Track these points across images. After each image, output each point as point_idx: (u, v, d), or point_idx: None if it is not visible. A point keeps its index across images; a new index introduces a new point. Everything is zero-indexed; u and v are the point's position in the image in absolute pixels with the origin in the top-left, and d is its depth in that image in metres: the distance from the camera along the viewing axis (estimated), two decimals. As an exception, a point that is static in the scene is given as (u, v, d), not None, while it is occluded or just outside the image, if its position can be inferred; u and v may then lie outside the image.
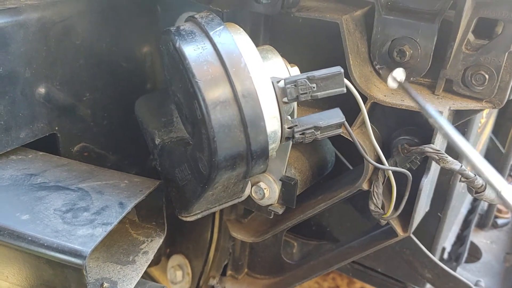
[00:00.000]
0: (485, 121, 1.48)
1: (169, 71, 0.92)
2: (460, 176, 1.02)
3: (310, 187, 1.20)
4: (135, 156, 1.22)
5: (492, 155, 1.86)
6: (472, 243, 1.69)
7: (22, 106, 0.96)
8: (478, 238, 1.75)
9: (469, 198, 1.85)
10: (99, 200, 0.88)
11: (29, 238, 0.79)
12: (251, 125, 0.80)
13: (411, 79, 1.05)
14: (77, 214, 0.84)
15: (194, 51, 0.81)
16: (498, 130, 1.88)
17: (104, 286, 0.92)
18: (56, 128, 1.04)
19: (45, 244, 0.78)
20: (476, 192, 1.05)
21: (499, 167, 1.69)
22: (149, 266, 1.46)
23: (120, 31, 1.13)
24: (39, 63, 0.97)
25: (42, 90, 0.99)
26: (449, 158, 1.00)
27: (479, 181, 1.02)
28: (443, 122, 0.82)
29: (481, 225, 1.81)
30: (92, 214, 0.84)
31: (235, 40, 0.83)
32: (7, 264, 0.83)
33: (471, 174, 1.02)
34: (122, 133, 1.19)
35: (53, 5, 0.99)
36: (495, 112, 1.81)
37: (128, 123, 1.16)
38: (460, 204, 1.73)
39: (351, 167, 1.31)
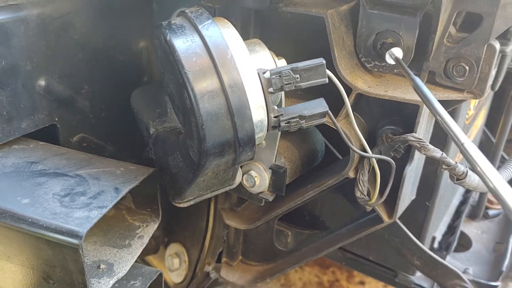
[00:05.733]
0: (474, 113, 1.53)
1: (161, 63, 0.97)
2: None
3: (300, 177, 1.25)
4: (132, 147, 1.27)
5: (486, 147, 1.91)
6: (462, 233, 1.74)
7: (24, 97, 1.02)
8: (469, 228, 1.79)
9: (461, 190, 1.89)
10: (96, 185, 0.93)
11: (29, 220, 0.84)
12: (238, 113, 0.85)
13: (395, 71, 1.09)
14: (74, 198, 0.89)
15: (184, 44, 0.86)
16: (493, 123, 1.93)
17: (101, 267, 0.97)
18: (56, 119, 1.10)
19: (44, 226, 0.83)
20: (458, 179, 1.09)
21: (490, 157, 1.73)
22: (148, 254, 1.53)
23: (117, 26, 1.17)
24: (39, 57, 1.02)
25: (42, 82, 1.04)
26: (430, 146, 1.04)
27: (460, 168, 1.07)
28: (432, 98, 0.87)
29: (473, 216, 1.85)
30: (88, 198, 0.89)
31: (222, 34, 0.87)
32: (9, 245, 0.89)
33: (452, 162, 1.06)
34: (119, 125, 1.24)
35: (52, 1, 1.03)
36: (486, 105, 1.85)
37: (125, 115, 1.21)
38: (451, 195, 1.78)
39: (341, 158, 1.36)
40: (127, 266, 0.98)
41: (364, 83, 1.08)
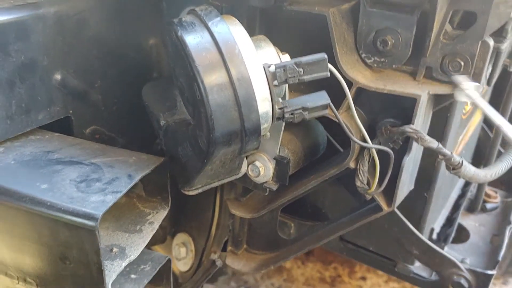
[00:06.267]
0: (471, 109, 1.57)
1: (172, 58, 1.02)
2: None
3: (303, 168, 1.31)
4: (142, 140, 1.32)
5: (484, 144, 1.96)
6: (460, 225, 1.79)
7: (41, 90, 1.07)
8: (467, 221, 1.83)
9: (459, 184, 1.94)
10: (110, 172, 0.99)
11: (48, 204, 0.89)
12: (245, 104, 0.91)
13: (393, 66, 1.14)
14: (90, 184, 0.94)
15: (194, 40, 0.91)
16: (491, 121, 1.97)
17: (113, 250, 1.02)
18: (71, 111, 1.15)
19: (62, 209, 0.88)
20: (453, 169, 1.15)
21: (487, 152, 1.78)
22: (155, 244, 1.58)
23: (129, 24, 1.23)
24: (56, 52, 1.08)
25: (58, 76, 1.10)
26: (427, 137, 1.09)
27: (456, 159, 1.12)
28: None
29: (471, 209, 1.90)
30: (103, 184, 0.95)
31: (230, 30, 0.93)
32: (29, 227, 0.94)
33: (448, 152, 1.11)
34: (130, 119, 1.30)
35: (68, 0, 1.09)
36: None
37: (135, 109, 1.26)
38: (449, 189, 1.83)
39: (342, 151, 1.41)
40: (138, 249, 1.04)
41: (364, 78, 1.13)
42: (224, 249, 1.51)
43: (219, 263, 1.48)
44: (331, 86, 1.07)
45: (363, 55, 1.15)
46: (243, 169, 1.16)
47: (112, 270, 0.97)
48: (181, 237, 1.55)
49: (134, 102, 1.24)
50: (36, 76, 1.05)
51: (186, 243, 1.54)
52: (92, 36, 1.15)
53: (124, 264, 1.00)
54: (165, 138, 1.12)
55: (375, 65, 1.15)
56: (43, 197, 0.90)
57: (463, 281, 1.46)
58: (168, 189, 1.12)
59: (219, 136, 0.92)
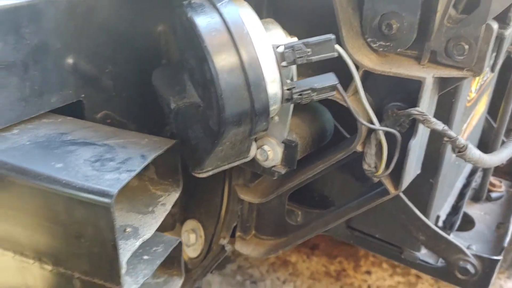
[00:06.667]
0: (476, 96, 1.59)
1: (182, 41, 1.05)
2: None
3: (310, 154, 1.33)
4: (151, 126, 1.34)
5: (488, 134, 1.97)
6: (466, 214, 1.81)
7: (53, 74, 1.09)
8: (473, 210, 1.85)
9: (464, 173, 1.96)
10: (123, 153, 1.01)
11: (64, 182, 0.91)
12: (254, 84, 0.93)
13: (398, 50, 1.16)
14: (104, 163, 0.97)
15: (204, 21, 0.94)
16: (495, 112, 1.99)
17: (127, 230, 1.05)
18: (82, 95, 1.17)
19: (77, 187, 0.90)
20: (459, 151, 1.16)
21: (491, 142, 1.80)
22: (165, 231, 1.60)
23: (138, 10, 1.25)
24: (68, 37, 1.10)
25: (70, 60, 1.12)
26: (433, 119, 1.11)
27: (461, 141, 1.14)
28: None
29: (476, 198, 1.92)
30: (117, 163, 0.97)
31: (239, 11, 0.95)
32: (44, 206, 0.96)
33: (453, 134, 1.13)
34: (140, 104, 1.32)
35: None
36: (489, 92, 1.92)
37: (146, 95, 1.29)
38: (454, 177, 1.84)
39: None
40: (151, 229, 1.06)
41: (370, 61, 1.15)
42: (233, 235, 1.53)
43: (228, 248, 1.50)
44: (337, 72, 1.08)
45: (368, 40, 1.17)
46: (252, 153, 1.19)
47: (126, 249, 0.99)
48: (190, 223, 1.57)
49: (144, 88, 1.26)
50: (49, 59, 1.08)
51: (195, 229, 1.56)
52: (102, 21, 1.17)
53: (137, 243, 1.02)
54: (176, 121, 1.14)
55: (381, 49, 1.17)
56: (59, 176, 0.92)
57: (469, 267, 1.47)
58: (180, 172, 1.14)
59: (229, 116, 0.94)
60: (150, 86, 1.23)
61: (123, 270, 0.96)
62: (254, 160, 1.25)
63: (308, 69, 1.13)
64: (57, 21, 1.07)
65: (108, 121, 1.25)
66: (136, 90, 1.30)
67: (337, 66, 1.08)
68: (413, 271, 2.32)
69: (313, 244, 2.47)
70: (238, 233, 1.53)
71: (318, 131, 1.31)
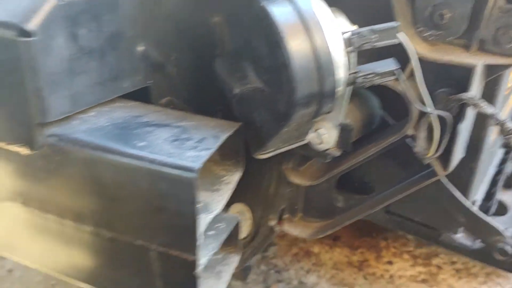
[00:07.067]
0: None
1: (249, 31, 1.11)
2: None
3: (359, 139, 1.39)
4: (205, 111, 1.41)
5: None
6: (499, 200, 1.86)
7: (126, 60, 1.16)
8: (505, 196, 1.91)
9: (495, 161, 2.02)
10: (197, 133, 1.08)
11: (149, 158, 0.98)
12: (324, 67, 1.00)
13: (449, 39, 1.23)
14: (182, 142, 1.04)
15: (277, 9, 1.00)
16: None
17: (199, 205, 1.11)
18: (150, 81, 1.24)
19: (163, 163, 0.97)
20: (507, 135, 1.23)
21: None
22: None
23: (198, 1, 1.32)
24: (140, 25, 1.17)
25: (141, 48, 1.19)
26: (483, 103, 1.18)
27: (509, 124, 1.20)
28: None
29: (507, 186, 1.98)
30: (194, 143, 1.04)
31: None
32: (127, 183, 1.03)
33: (502, 118, 1.20)
34: (198, 91, 1.39)
35: None
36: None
37: (201, 82, 1.35)
38: (488, 165, 1.90)
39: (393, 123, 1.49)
40: (220, 205, 1.13)
41: (422, 50, 1.22)
42: (280, 218, 1.60)
43: (277, 229, 1.57)
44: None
45: (419, 29, 1.23)
46: (309, 136, 1.25)
47: (201, 222, 1.06)
48: (237, 207, 1.63)
49: (202, 76, 1.33)
50: (123, 46, 1.15)
51: (243, 212, 1.62)
52: (169, 10, 1.23)
53: (210, 216, 1.09)
54: (238, 105, 1.21)
55: (431, 38, 1.23)
56: (144, 153, 0.99)
57: (507, 248, 1.53)
58: (242, 153, 1.21)
59: (300, 98, 1.01)
60: (206, 73, 1.30)
61: (199, 242, 1.03)
62: (307, 144, 1.31)
63: (361, 57, 1.19)
64: (131, 10, 1.14)
65: (171, 107, 1.31)
66: (194, 77, 1.36)
67: (389, 54, 1.15)
68: (434, 261, 2.35)
69: (335, 236, 2.51)
70: (286, 215, 1.59)
71: (367, 116, 1.38)
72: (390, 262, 2.36)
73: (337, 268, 2.33)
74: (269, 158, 1.25)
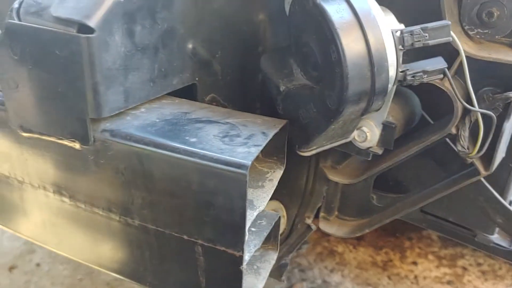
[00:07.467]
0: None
1: (300, 27, 1.12)
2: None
3: (399, 137, 1.39)
4: (246, 108, 1.42)
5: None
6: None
7: (176, 57, 1.17)
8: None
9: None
10: (246, 130, 1.08)
11: (201, 154, 0.99)
12: (377, 65, 1.00)
13: (496, 37, 1.22)
14: (232, 139, 1.04)
15: (332, 6, 1.01)
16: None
17: None
18: (197, 78, 1.24)
19: (214, 158, 0.98)
20: (552, 134, 1.22)
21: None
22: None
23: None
24: (190, 22, 1.17)
25: (190, 45, 1.20)
26: (532, 102, 1.18)
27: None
28: None
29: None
30: (244, 139, 1.04)
31: (364, -3, 1.03)
32: (178, 178, 1.03)
33: (549, 117, 1.20)
34: (240, 89, 1.40)
35: None
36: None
37: (243, 80, 1.36)
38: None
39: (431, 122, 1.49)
40: (264, 202, 1.14)
41: (468, 48, 1.22)
42: (316, 216, 1.60)
43: (313, 227, 1.58)
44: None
45: (466, 27, 1.23)
46: (353, 134, 1.25)
47: (248, 218, 1.06)
48: (272, 204, 1.64)
49: (245, 73, 1.34)
50: (174, 43, 1.15)
51: (278, 209, 1.62)
52: (216, 8, 1.24)
53: (255, 213, 1.09)
54: (284, 103, 1.22)
55: (477, 36, 1.23)
56: (195, 149, 1.00)
57: (546, 248, 1.53)
58: (285, 150, 1.21)
59: (351, 94, 1.01)
60: (248, 72, 1.31)
61: (246, 237, 1.04)
62: (348, 142, 1.31)
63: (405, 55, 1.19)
64: (183, 7, 1.15)
65: (214, 104, 1.32)
66: (237, 75, 1.37)
67: (433, 52, 1.14)
68: (460, 262, 2.35)
69: (359, 236, 2.51)
70: (322, 214, 1.60)
71: (409, 114, 1.37)
72: (414, 263, 2.37)
73: (361, 267, 2.34)
74: (305, 156, 1.25)
